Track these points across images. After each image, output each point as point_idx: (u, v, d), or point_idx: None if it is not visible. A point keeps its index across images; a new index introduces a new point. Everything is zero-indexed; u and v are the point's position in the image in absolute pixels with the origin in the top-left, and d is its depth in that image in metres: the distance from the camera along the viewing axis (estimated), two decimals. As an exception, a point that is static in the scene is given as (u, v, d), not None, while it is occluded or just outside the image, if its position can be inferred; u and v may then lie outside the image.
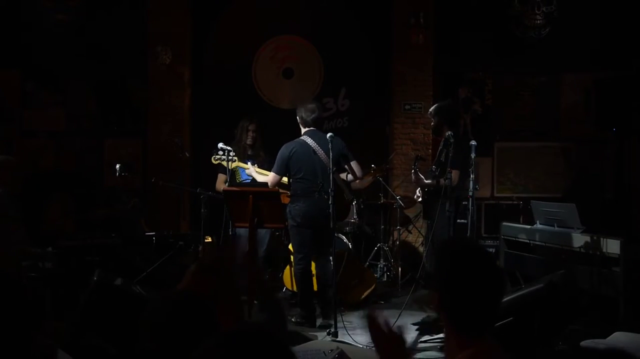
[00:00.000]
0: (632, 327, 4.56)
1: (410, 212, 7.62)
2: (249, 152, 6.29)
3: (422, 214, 6.52)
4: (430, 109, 5.79)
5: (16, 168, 5.10)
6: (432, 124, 5.79)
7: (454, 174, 5.29)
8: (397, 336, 2.00)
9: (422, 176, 5.54)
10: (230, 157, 5.73)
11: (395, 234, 7.62)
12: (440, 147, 5.64)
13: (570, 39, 7.91)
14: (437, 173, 5.47)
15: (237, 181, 6.22)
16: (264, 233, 6.22)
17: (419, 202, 5.89)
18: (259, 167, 6.17)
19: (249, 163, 6.09)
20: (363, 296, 6.28)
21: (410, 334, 5.11)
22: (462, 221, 5.45)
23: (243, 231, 5.90)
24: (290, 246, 6.09)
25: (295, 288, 6.41)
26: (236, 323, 2.06)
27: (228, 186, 5.87)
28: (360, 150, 6.57)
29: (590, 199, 7.57)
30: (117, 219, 6.60)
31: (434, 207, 5.26)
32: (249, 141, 6.29)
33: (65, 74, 7.96)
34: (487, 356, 1.88)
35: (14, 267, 4.72)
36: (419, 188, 5.79)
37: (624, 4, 7.93)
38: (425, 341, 4.99)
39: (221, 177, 6.30)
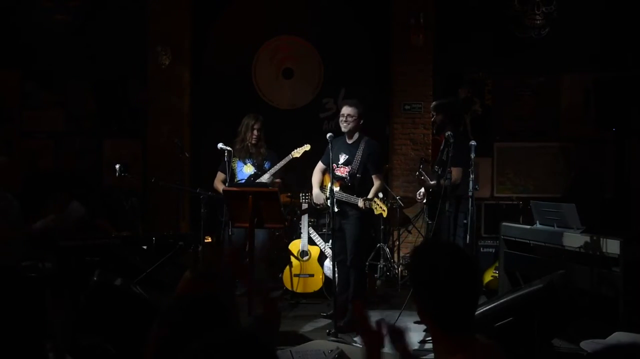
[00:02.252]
0: (632, 327, 4.56)
1: (410, 213, 7.61)
2: (252, 151, 6.22)
3: (424, 214, 6.52)
4: (433, 105, 5.77)
5: (12, 169, 5.11)
6: (433, 120, 5.73)
7: (457, 172, 5.28)
8: (377, 331, 2.02)
9: (428, 177, 5.54)
10: (231, 158, 5.75)
11: (395, 234, 7.61)
12: (442, 147, 5.63)
13: (570, 39, 7.91)
14: (440, 173, 5.47)
15: (235, 180, 6.20)
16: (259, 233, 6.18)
17: (424, 203, 5.86)
18: (258, 165, 6.17)
19: (248, 163, 6.10)
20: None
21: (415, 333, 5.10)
22: (465, 221, 5.41)
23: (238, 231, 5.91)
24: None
25: (295, 289, 6.45)
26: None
27: (228, 185, 5.87)
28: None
29: (590, 199, 7.56)
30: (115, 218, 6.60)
31: (437, 208, 5.26)
32: (253, 140, 6.18)
33: (64, 74, 7.96)
34: None
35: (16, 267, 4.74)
36: (422, 189, 5.77)
37: (623, 5, 7.93)
38: (423, 342, 4.98)
39: (220, 175, 6.26)
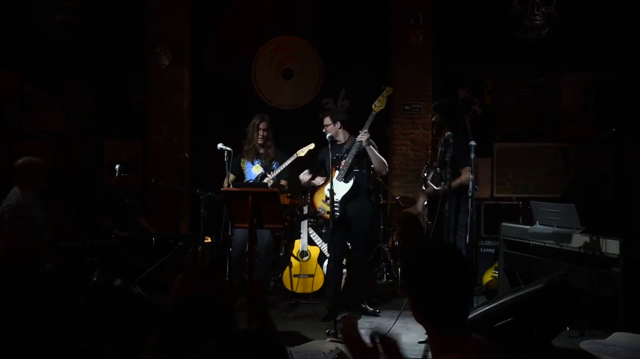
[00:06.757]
0: (631, 327, 4.56)
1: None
2: (260, 151, 6.23)
3: (424, 215, 6.54)
4: (433, 105, 5.86)
5: (44, 168, 5.32)
6: (433, 120, 5.84)
7: (466, 172, 5.28)
8: (372, 347, 1.99)
9: (432, 184, 5.55)
10: (230, 158, 5.75)
11: (395, 234, 7.61)
12: (441, 148, 5.62)
13: (569, 39, 7.91)
14: (442, 174, 5.46)
15: (244, 181, 6.20)
16: (265, 234, 6.20)
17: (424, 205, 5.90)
18: (266, 166, 6.17)
19: (257, 163, 6.11)
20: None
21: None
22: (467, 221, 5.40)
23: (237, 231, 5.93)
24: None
25: (295, 289, 6.45)
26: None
27: (233, 186, 5.88)
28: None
29: (590, 199, 7.56)
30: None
31: (437, 209, 5.27)
32: (259, 140, 6.19)
33: (65, 74, 7.96)
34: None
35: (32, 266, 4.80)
36: (422, 199, 5.80)
37: (623, 5, 7.93)
38: (421, 343, 4.98)
39: (232, 177, 6.24)
